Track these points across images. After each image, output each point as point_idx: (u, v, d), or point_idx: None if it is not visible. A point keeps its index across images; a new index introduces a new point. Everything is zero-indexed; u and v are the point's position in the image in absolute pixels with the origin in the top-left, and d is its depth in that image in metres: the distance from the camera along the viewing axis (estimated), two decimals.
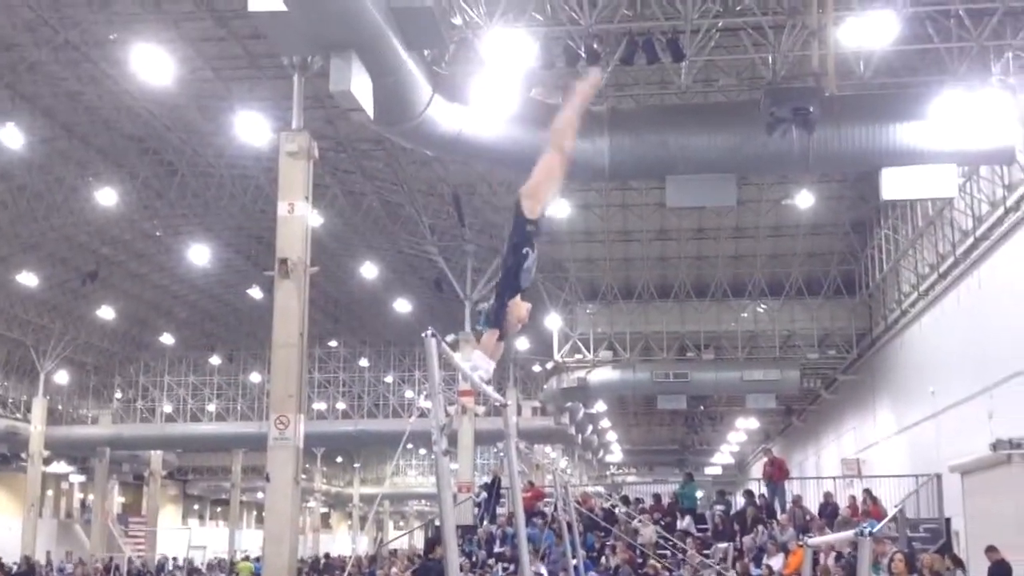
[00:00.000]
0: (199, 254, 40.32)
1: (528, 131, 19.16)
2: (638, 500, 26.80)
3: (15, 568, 35.34)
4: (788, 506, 22.96)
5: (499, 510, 25.08)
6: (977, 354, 22.28)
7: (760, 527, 21.47)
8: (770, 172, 24.96)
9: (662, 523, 22.14)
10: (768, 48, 20.20)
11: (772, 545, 19.96)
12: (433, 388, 5.03)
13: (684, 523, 22.91)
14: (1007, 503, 19.67)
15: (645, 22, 19.98)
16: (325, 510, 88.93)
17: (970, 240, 22.87)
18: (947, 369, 24.72)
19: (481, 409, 39.70)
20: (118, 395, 57.41)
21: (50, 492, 60.81)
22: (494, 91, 18.58)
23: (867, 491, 22.66)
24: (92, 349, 52.50)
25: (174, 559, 55.27)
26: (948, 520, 22.67)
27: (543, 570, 18.01)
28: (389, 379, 56.21)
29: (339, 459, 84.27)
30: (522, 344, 46.34)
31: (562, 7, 19.35)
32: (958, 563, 16.62)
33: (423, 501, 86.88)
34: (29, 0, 23.79)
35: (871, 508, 21.49)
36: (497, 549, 22.27)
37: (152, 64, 24.68)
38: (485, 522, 24.42)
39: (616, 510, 23.42)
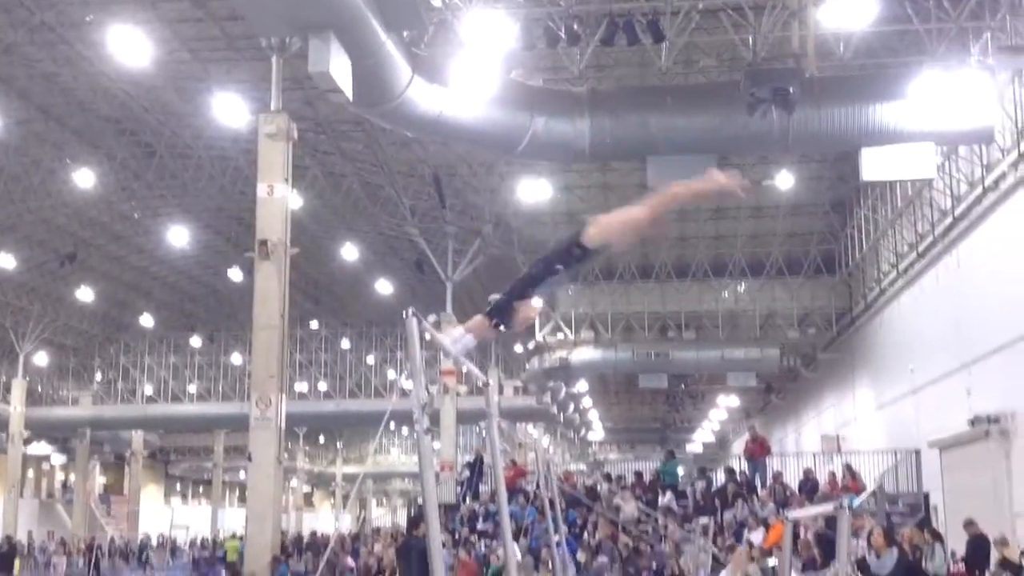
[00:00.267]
0: (178, 235, 40.14)
1: (508, 112, 19.16)
2: (620, 477, 26.96)
3: None
4: (768, 482, 23.15)
5: (482, 488, 25.19)
6: (955, 332, 22.49)
7: (740, 502, 21.64)
8: (750, 152, 25.04)
9: (644, 499, 22.28)
10: (748, 29, 20.25)
11: (752, 520, 20.13)
12: (415, 368, 5.06)
13: (665, 499, 23.05)
14: (985, 478, 19.91)
15: (625, 3, 20.01)
16: (308, 489, 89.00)
17: (949, 219, 23.04)
18: (926, 347, 24.95)
19: (463, 388, 39.79)
20: (98, 376, 57.22)
21: (31, 473, 60.66)
22: (474, 72, 18.55)
23: (847, 466, 22.88)
24: (71, 330, 52.27)
25: (159, 536, 55.34)
26: (927, 495, 22.91)
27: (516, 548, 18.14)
28: (371, 360, 56.19)
29: (321, 439, 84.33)
30: None
31: None
32: (937, 537, 16.79)
33: (406, 480, 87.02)
34: None
35: (850, 483, 21.67)
36: (480, 526, 22.39)
37: (129, 45, 24.44)
38: (468, 500, 24.52)
39: (598, 487, 23.56)
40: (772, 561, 14.67)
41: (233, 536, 34.63)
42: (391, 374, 55.21)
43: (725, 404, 56.85)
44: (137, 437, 60.17)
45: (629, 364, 37.48)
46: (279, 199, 21.08)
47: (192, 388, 56.67)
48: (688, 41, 21.71)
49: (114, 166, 34.81)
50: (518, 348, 49.01)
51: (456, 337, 5.96)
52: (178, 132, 33.31)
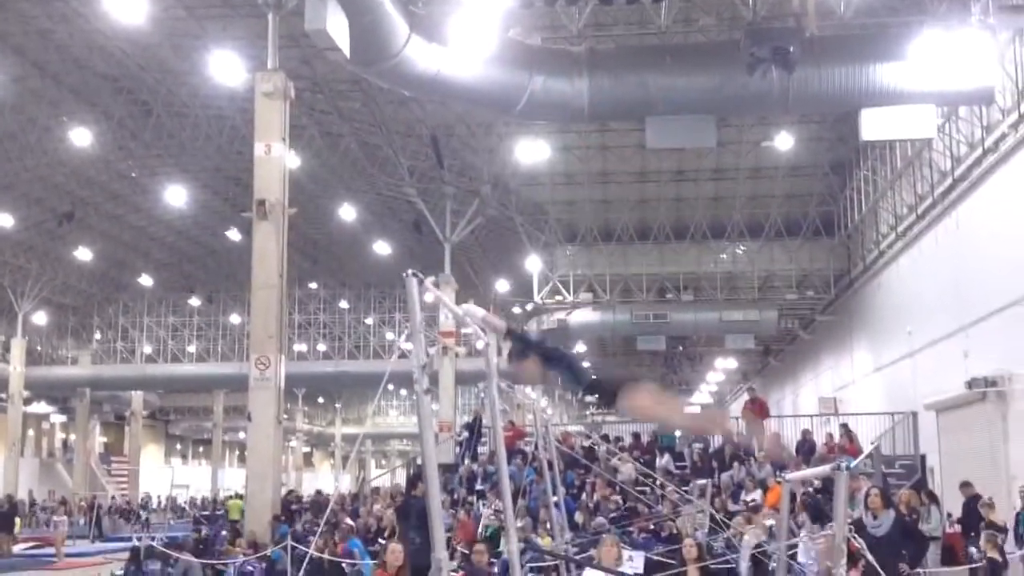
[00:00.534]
0: (176, 195, 40.01)
1: (506, 71, 19.00)
2: (618, 439, 27.03)
3: None
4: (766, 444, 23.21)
5: (480, 449, 25.27)
6: (954, 294, 22.49)
7: (738, 464, 21.72)
8: (750, 112, 24.89)
9: (641, 460, 22.36)
10: None
11: (750, 482, 20.20)
12: (414, 328, 5.04)
13: (663, 461, 23.14)
14: (981, 440, 19.99)
15: None
16: (307, 449, 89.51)
17: (948, 181, 22.96)
18: (924, 309, 24.96)
19: (462, 350, 39.83)
20: (97, 336, 57.32)
21: (31, 432, 60.91)
22: (472, 31, 18.38)
23: (844, 426, 22.97)
24: (70, 290, 52.29)
25: (161, 497, 55.66)
26: (923, 457, 23.01)
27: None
28: (370, 321, 56.27)
29: (320, 399, 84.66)
30: (502, 286, 46.40)
31: None
32: (933, 499, 16.88)
33: (404, 440, 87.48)
34: None
35: (847, 445, 21.75)
36: (478, 487, 22.49)
37: (124, 2, 24.23)
38: (466, 461, 24.61)
39: (596, 448, 23.64)
40: (770, 522, 14.75)
41: (236, 495, 34.77)
42: (389, 335, 55.32)
43: (723, 366, 57.04)
44: (137, 397, 60.37)
45: (627, 326, 37.49)
46: (276, 158, 21.00)
47: (191, 348, 56.81)
48: (687, 0, 21.54)
49: (111, 125, 34.65)
50: (516, 310, 49.01)
51: (479, 315, 5.97)
52: (174, 90, 33.11)
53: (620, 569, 10.25)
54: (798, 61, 17.94)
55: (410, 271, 4.99)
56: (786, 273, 36.48)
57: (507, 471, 8.36)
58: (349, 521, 19.65)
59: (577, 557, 11.78)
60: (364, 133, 34.34)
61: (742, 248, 36.84)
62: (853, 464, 6.63)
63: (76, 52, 30.46)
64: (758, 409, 25.01)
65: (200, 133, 35.04)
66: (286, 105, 21.21)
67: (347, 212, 40.47)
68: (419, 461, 19.23)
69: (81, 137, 33.68)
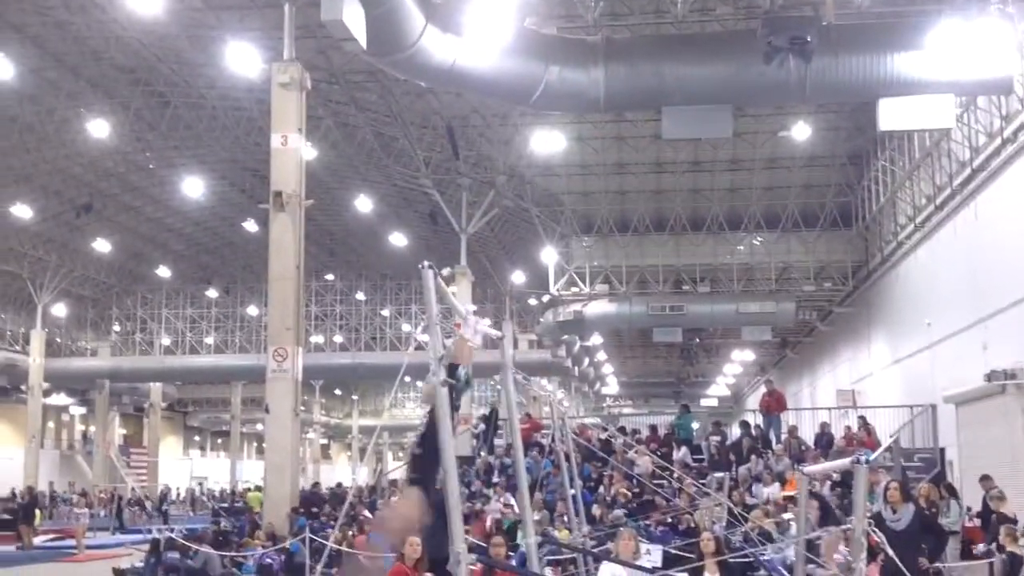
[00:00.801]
0: (193, 187, 40.13)
1: (521, 62, 18.93)
2: (635, 431, 27.00)
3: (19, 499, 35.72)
4: (784, 436, 23.15)
5: (497, 441, 25.28)
6: (973, 285, 22.32)
7: (755, 457, 21.66)
8: (767, 102, 24.75)
9: (658, 453, 22.31)
10: None
11: (768, 475, 20.15)
12: (431, 320, 5.03)
13: (680, 453, 23.08)
14: (1001, 433, 19.85)
15: None
16: (324, 441, 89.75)
17: (967, 171, 22.77)
18: (943, 301, 24.78)
19: (478, 341, 39.79)
20: (116, 328, 57.59)
21: (51, 424, 61.28)
22: (488, 21, 18.31)
23: (862, 418, 22.83)
24: (89, 282, 52.52)
25: (182, 491, 55.89)
26: (942, 450, 22.88)
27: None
28: (386, 312, 56.35)
29: (338, 391, 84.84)
30: (518, 278, 46.38)
31: None
32: (952, 492, 16.79)
33: None
34: None
35: (866, 439, 21.65)
36: (495, 479, 22.48)
37: None
38: (483, 453, 24.61)
39: (613, 441, 23.62)
40: (788, 515, 14.68)
41: (256, 488, 34.88)
42: (406, 327, 55.39)
43: (740, 358, 56.83)
44: (156, 389, 60.64)
45: (643, 318, 37.35)
46: (293, 150, 21.02)
47: (209, 340, 57.03)
48: None
49: (128, 116, 34.75)
50: (532, 301, 49.03)
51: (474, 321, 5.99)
52: (191, 82, 33.17)
53: (637, 562, 10.20)
54: (815, 50, 17.82)
55: (426, 263, 4.97)
56: (803, 264, 36.29)
57: (524, 464, 8.34)
58: (367, 513, 19.69)
59: (594, 550, 11.75)
60: (380, 124, 34.34)
61: (759, 239, 36.63)
62: (872, 457, 6.57)
63: (94, 43, 30.54)
64: (775, 401, 24.94)
65: (217, 124, 35.11)
66: (302, 96, 21.23)
67: (363, 203, 40.49)
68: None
69: (99, 128, 33.79)
